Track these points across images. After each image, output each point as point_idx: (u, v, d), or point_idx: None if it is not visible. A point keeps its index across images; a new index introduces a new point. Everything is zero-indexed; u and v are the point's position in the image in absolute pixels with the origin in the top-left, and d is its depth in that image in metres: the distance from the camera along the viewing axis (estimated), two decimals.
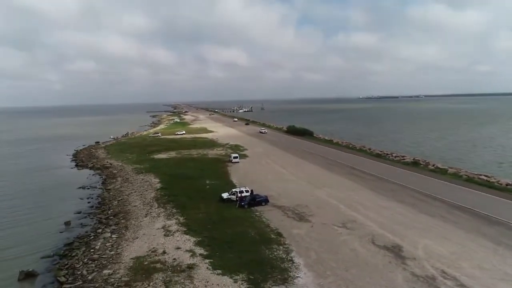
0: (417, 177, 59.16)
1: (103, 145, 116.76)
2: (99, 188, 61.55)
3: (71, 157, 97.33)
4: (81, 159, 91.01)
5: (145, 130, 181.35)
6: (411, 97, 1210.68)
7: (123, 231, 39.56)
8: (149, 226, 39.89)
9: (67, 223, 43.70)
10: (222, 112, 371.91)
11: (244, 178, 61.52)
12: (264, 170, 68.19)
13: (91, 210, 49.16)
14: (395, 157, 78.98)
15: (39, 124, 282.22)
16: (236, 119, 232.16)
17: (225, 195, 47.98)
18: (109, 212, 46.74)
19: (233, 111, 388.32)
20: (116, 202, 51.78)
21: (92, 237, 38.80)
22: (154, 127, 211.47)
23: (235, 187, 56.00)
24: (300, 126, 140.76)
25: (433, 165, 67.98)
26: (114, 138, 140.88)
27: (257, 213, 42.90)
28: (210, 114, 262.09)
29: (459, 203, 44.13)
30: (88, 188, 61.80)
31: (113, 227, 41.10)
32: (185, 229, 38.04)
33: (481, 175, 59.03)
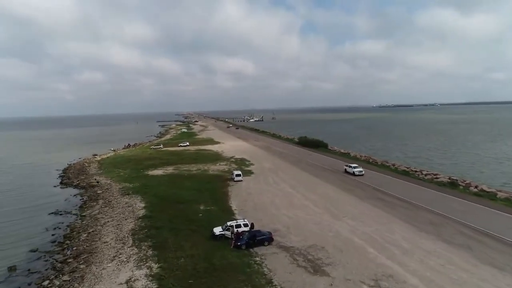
0: (460, 203, 47.46)
1: (99, 158, 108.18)
2: (73, 214, 51.95)
3: (60, 172, 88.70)
4: (68, 175, 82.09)
5: (149, 141, 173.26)
6: (426, 105, 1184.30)
7: (76, 284, 29.38)
8: (111, 278, 29.60)
9: (11, 269, 33.92)
10: (232, 121, 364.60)
11: (246, 203, 51.05)
12: (271, 191, 57.56)
13: (51, 247, 39.37)
14: (426, 175, 67.18)
15: (44, 135, 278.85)
16: (230, 125, 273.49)
17: (217, 231, 37.53)
18: (68, 253, 36.63)
19: (244, 121, 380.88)
20: (85, 235, 41.83)
21: None
22: (161, 137, 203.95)
23: (233, 214, 46.07)
24: (312, 137, 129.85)
25: (476, 187, 56.15)
26: (113, 150, 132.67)
27: (257, 259, 32.23)
28: (227, 127, 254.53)
29: None
30: (61, 214, 52.26)
31: (66, 276, 30.95)
32: (156, 286, 27.64)
33: None
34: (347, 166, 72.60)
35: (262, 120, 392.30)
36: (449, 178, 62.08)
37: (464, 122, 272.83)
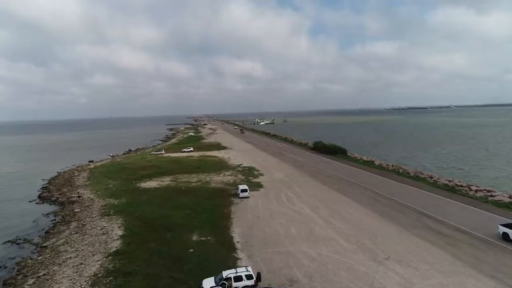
0: None
1: (92, 166, 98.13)
2: (33, 243, 41.03)
3: (45, 183, 78.59)
4: (50, 187, 71.75)
5: (153, 146, 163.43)
6: (441, 107, 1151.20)
7: None
8: None
9: None
10: (242, 124, 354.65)
11: (252, 232, 39.33)
12: (285, 214, 45.63)
13: None
14: (476, 191, 54.35)
15: (49, 140, 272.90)
16: (236, 127, 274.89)
17: (208, 285, 25.82)
18: None
19: (254, 124, 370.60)
20: (32, 280, 30.74)
21: None
22: (166, 141, 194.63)
23: (234, 249, 34.78)
24: (329, 142, 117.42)
25: None
26: (112, 156, 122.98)
27: None
28: (241, 132, 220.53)
29: None
30: (19, 243, 41.49)
31: None
32: None
33: None
34: (507, 227, 33.87)
35: (273, 123, 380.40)
36: (509, 197, 49.17)
37: (487, 125, 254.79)
